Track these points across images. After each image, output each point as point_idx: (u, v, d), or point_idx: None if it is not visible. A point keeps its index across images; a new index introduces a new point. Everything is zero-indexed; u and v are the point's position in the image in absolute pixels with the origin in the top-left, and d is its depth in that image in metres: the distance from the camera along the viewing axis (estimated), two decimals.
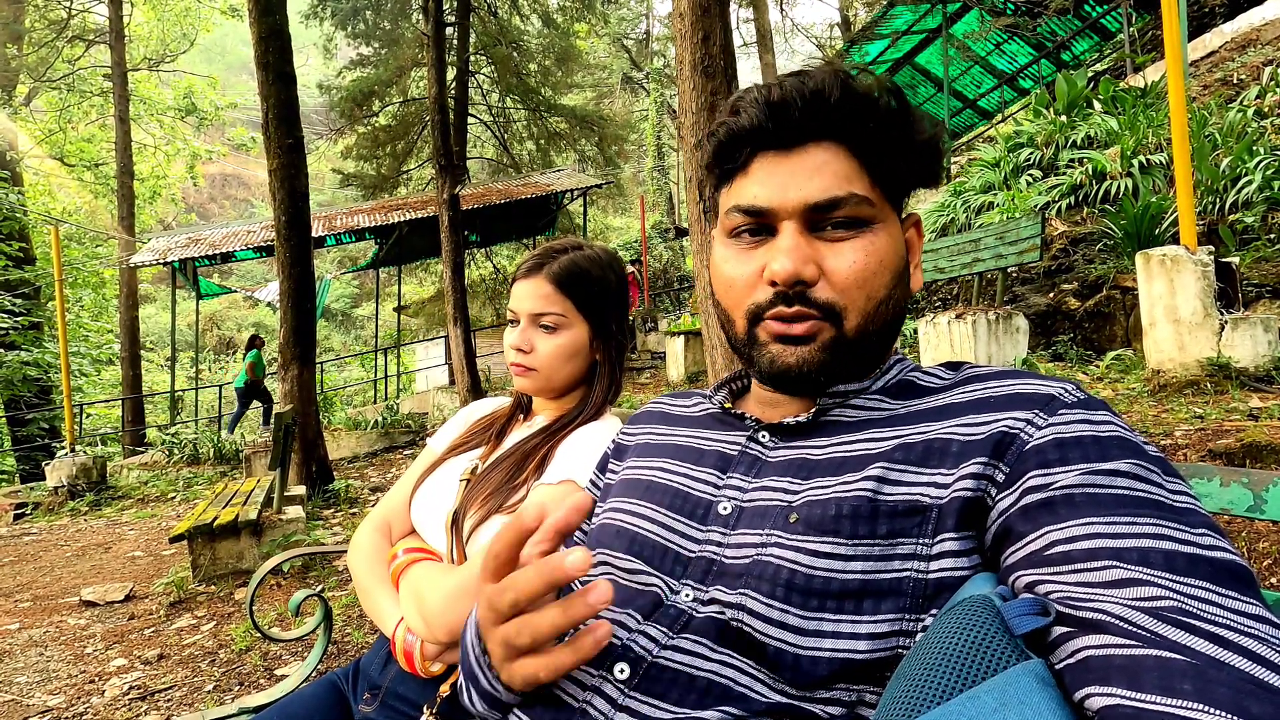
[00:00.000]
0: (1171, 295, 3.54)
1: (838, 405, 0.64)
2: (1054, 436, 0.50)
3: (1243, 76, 6.89)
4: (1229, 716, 0.33)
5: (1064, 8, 10.56)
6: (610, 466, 0.80)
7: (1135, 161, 5.90)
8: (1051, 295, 5.56)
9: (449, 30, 9.46)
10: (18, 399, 12.50)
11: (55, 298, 8.28)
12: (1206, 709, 0.33)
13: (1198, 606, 0.39)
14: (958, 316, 4.59)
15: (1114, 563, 0.42)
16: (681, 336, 8.18)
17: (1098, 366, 4.30)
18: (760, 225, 0.62)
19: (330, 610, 1.35)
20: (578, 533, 0.79)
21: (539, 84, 14.64)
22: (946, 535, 0.50)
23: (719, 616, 0.56)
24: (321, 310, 13.40)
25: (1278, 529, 2.00)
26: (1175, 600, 0.39)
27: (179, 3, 18.75)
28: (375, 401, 13.67)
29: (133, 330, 14.27)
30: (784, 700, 0.51)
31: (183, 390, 16.12)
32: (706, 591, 0.58)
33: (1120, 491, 0.45)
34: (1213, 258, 3.49)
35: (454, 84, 10.03)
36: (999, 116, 13.16)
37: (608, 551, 0.67)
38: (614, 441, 0.84)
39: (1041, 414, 0.52)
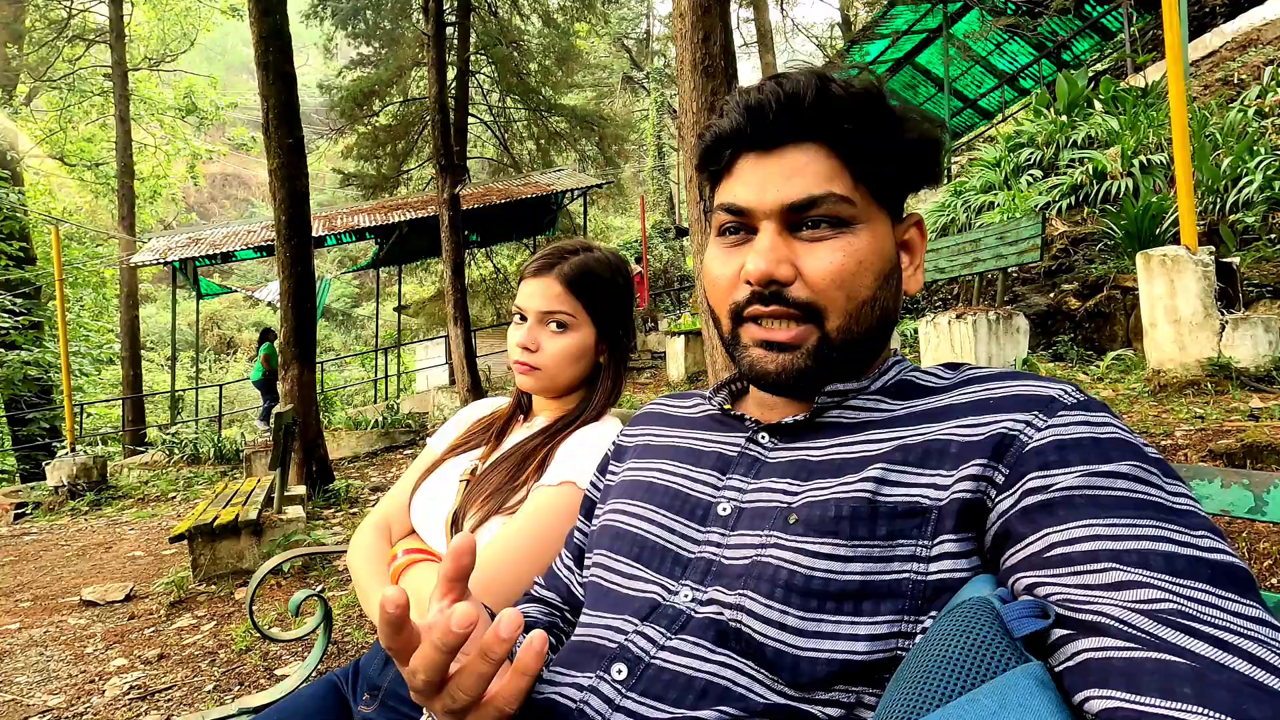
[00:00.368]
0: (1172, 295, 3.54)
1: (836, 405, 0.64)
2: (1054, 438, 0.50)
3: (1243, 76, 6.89)
4: (1228, 719, 0.33)
5: (1064, 7, 10.56)
6: (610, 468, 0.80)
7: (1136, 161, 5.90)
8: (1052, 295, 5.55)
9: (449, 30, 9.46)
10: (18, 398, 12.50)
11: (56, 297, 8.29)
12: (1206, 712, 0.33)
13: (1197, 609, 0.39)
14: (958, 316, 4.59)
15: (1114, 565, 0.42)
16: (682, 336, 8.18)
17: (1098, 367, 4.30)
18: (742, 225, 0.63)
19: (330, 610, 1.35)
20: (578, 534, 0.80)
21: (539, 84, 14.64)
22: (946, 537, 0.50)
23: (718, 617, 0.56)
24: (322, 310, 13.41)
25: (1278, 530, 1.99)
26: (1175, 603, 0.39)
27: (179, 2, 18.75)
28: (375, 401, 13.67)
29: (133, 330, 14.28)
30: (782, 701, 0.51)
31: (183, 390, 16.13)
32: (705, 592, 0.58)
33: (1120, 493, 0.45)
34: (1213, 258, 3.49)
35: (454, 84, 10.03)
36: (999, 116, 13.15)
37: (607, 554, 0.67)
38: (614, 443, 0.84)
39: (1041, 415, 0.52)
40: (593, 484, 0.82)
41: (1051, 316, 5.41)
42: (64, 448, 8.08)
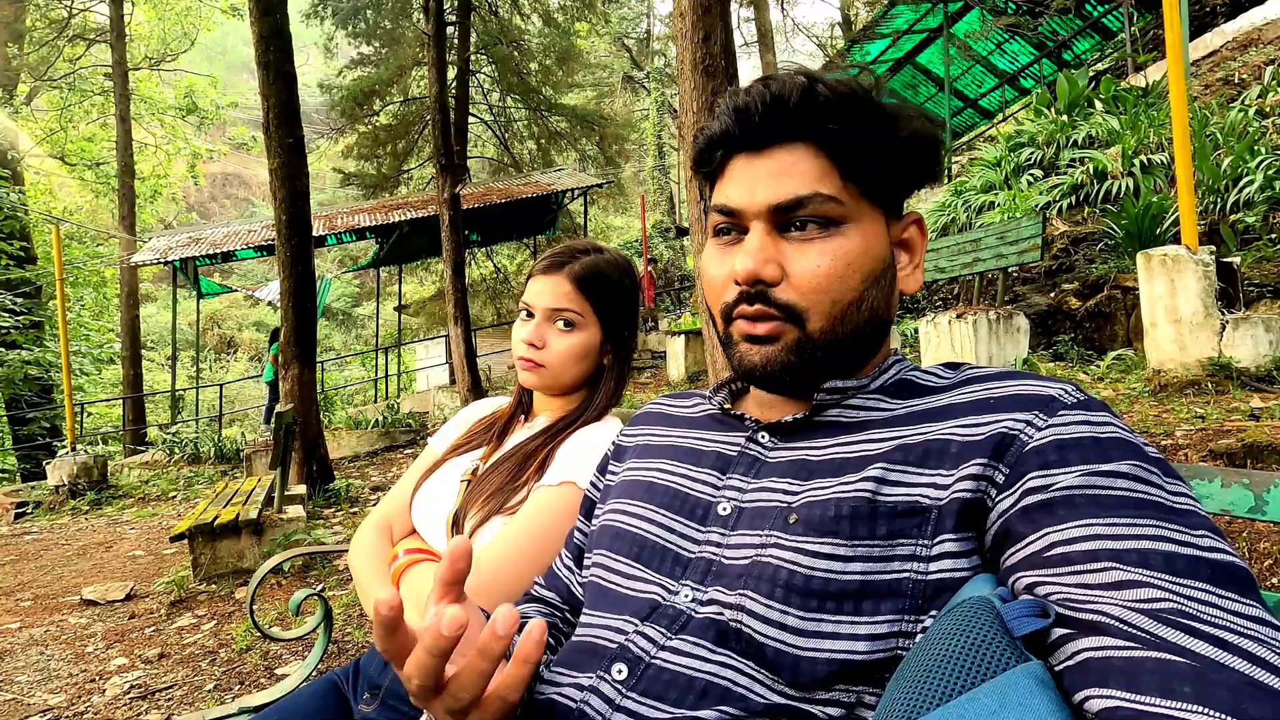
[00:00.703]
0: (1172, 295, 3.54)
1: (835, 404, 0.64)
2: (1054, 438, 0.50)
3: (1244, 76, 6.89)
4: (1228, 719, 0.33)
5: (1065, 7, 10.56)
6: (610, 468, 0.80)
7: (1136, 161, 5.90)
8: (1052, 295, 5.55)
9: (450, 29, 9.46)
10: (19, 398, 12.51)
11: (56, 297, 8.29)
12: (1206, 711, 0.33)
13: (1197, 608, 0.39)
14: (958, 316, 4.59)
15: (1113, 564, 0.42)
16: (682, 336, 8.18)
17: (1098, 366, 4.30)
18: (734, 225, 0.64)
19: (330, 610, 1.35)
20: (578, 534, 0.80)
21: (540, 83, 14.64)
22: (946, 536, 0.50)
23: (718, 617, 0.56)
24: (322, 309, 13.41)
25: (1278, 530, 1.99)
26: (1175, 602, 0.39)
27: (180, 2, 18.75)
28: (376, 401, 13.67)
29: (133, 329, 14.28)
30: (783, 701, 0.51)
31: (183, 389, 16.13)
32: (705, 592, 0.58)
33: (1120, 493, 0.45)
34: (1214, 257, 3.49)
35: (455, 83, 10.03)
36: (1000, 116, 13.15)
37: (607, 554, 0.67)
38: (613, 443, 0.84)
39: (1041, 415, 0.52)
40: (593, 484, 0.82)
41: (1052, 316, 5.41)
42: (64, 447, 8.09)
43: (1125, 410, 3.28)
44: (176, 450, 9.09)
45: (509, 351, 1.11)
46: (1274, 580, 1.88)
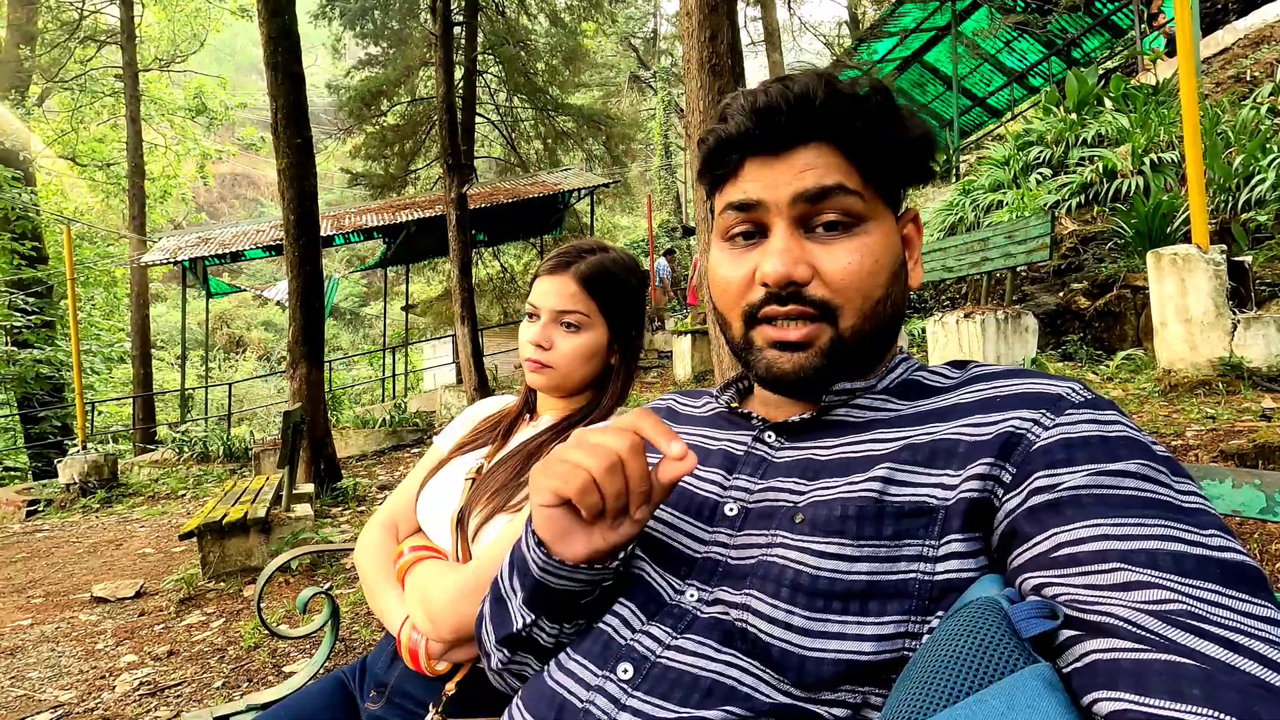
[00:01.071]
0: (1183, 294, 3.51)
1: (842, 404, 0.63)
2: (1061, 437, 0.49)
3: (1256, 74, 6.82)
4: None
5: (1074, 4, 10.49)
6: None
7: (1146, 159, 5.86)
8: (1061, 294, 5.52)
9: (456, 30, 9.47)
10: (30, 397, 12.61)
11: (68, 296, 8.35)
12: (1215, 714, 0.33)
13: (1207, 609, 0.38)
14: (966, 315, 4.57)
15: (1122, 565, 0.41)
16: (689, 335, 8.17)
17: (1108, 366, 4.27)
18: (754, 226, 0.62)
19: (337, 607, 1.36)
20: None
21: (546, 83, 14.64)
22: (953, 536, 0.50)
23: (723, 617, 0.56)
24: (330, 309, 13.46)
25: None
26: (1184, 603, 0.39)
27: (189, 3, 18.86)
28: (383, 400, 13.73)
29: (143, 329, 14.38)
30: (788, 701, 0.51)
31: (193, 388, 16.22)
32: (711, 592, 0.58)
33: (1128, 492, 0.45)
34: (1225, 256, 3.46)
35: (462, 83, 10.05)
36: (1008, 114, 13.06)
37: None
38: None
39: (1049, 414, 0.52)
40: None
41: (1061, 316, 5.38)
42: (75, 445, 8.14)
43: (1135, 410, 3.25)
44: (186, 449, 9.14)
45: (516, 351, 1.11)
46: None
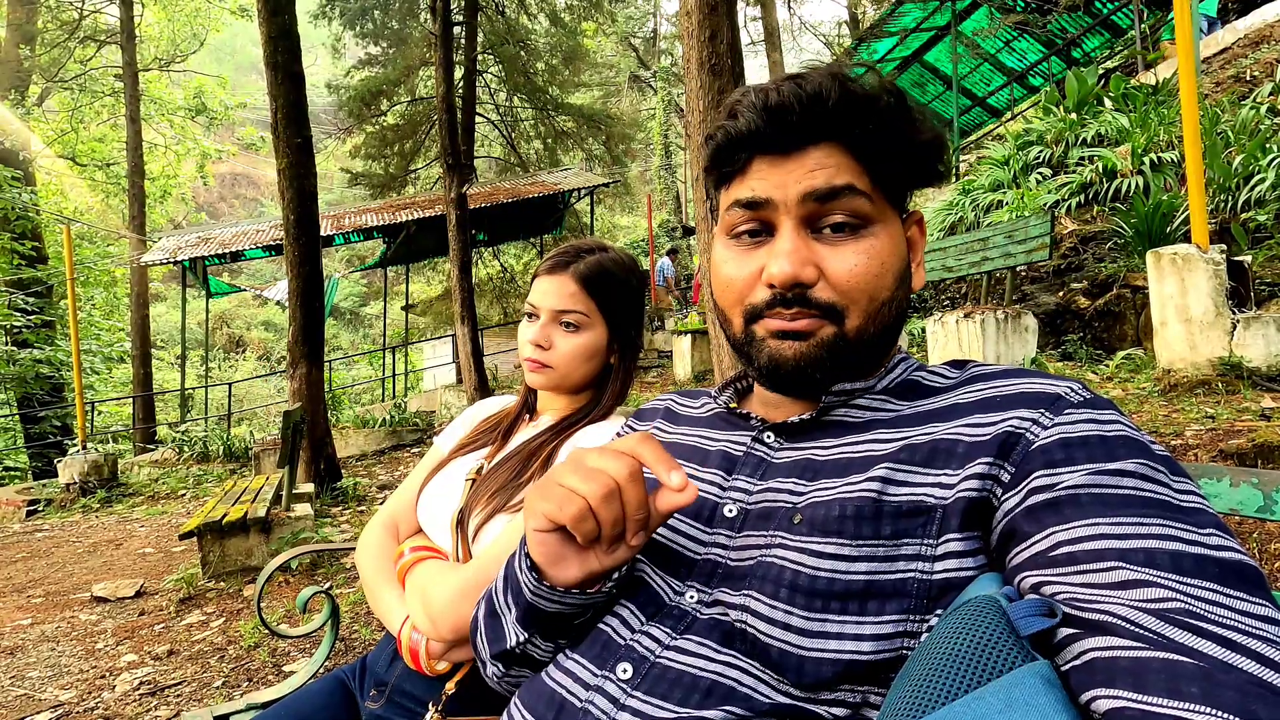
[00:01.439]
0: (1183, 294, 3.51)
1: (842, 404, 0.63)
2: (1060, 436, 0.49)
3: (1256, 73, 6.82)
4: None
5: (1074, 4, 10.49)
6: None
7: (1146, 159, 5.86)
8: (1061, 294, 5.52)
9: (456, 29, 9.47)
10: (30, 396, 12.60)
11: (68, 296, 8.35)
12: (1213, 712, 0.33)
13: (1204, 608, 0.38)
14: (966, 315, 4.57)
15: (1120, 564, 0.41)
16: (688, 335, 8.17)
17: (1107, 366, 4.27)
18: (760, 224, 0.62)
19: (337, 607, 1.36)
20: None
21: (546, 83, 14.64)
22: (951, 536, 0.50)
23: (723, 618, 0.56)
24: (330, 309, 13.46)
25: None
26: (1182, 602, 0.39)
27: (189, 3, 18.86)
28: (383, 400, 13.72)
29: (143, 328, 14.39)
30: (788, 701, 0.51)
31: (193, 388, 16.22)
32: (711, 594, 0.58)
33: (1127, 491, 0.45)
34: (1225, 256, 3.46)
35: (461, 83, 10.04)
36: (1008, 114, 13.06)
37: None
38: (618, 435, 0.84)
39: (1047, 413, 0.52)
40: None
41: (1060, 315, 5.38)
42: (75, 445, 8.14)
43: (1135, 410, 3.25)
44: (186, 448, 9.14)
45: (516, 350, 1.11)
46: None
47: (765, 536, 0.57)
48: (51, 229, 14.59)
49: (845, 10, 22.62)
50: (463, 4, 10.04)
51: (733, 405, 0.73)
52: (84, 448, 7.84)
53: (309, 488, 5.06)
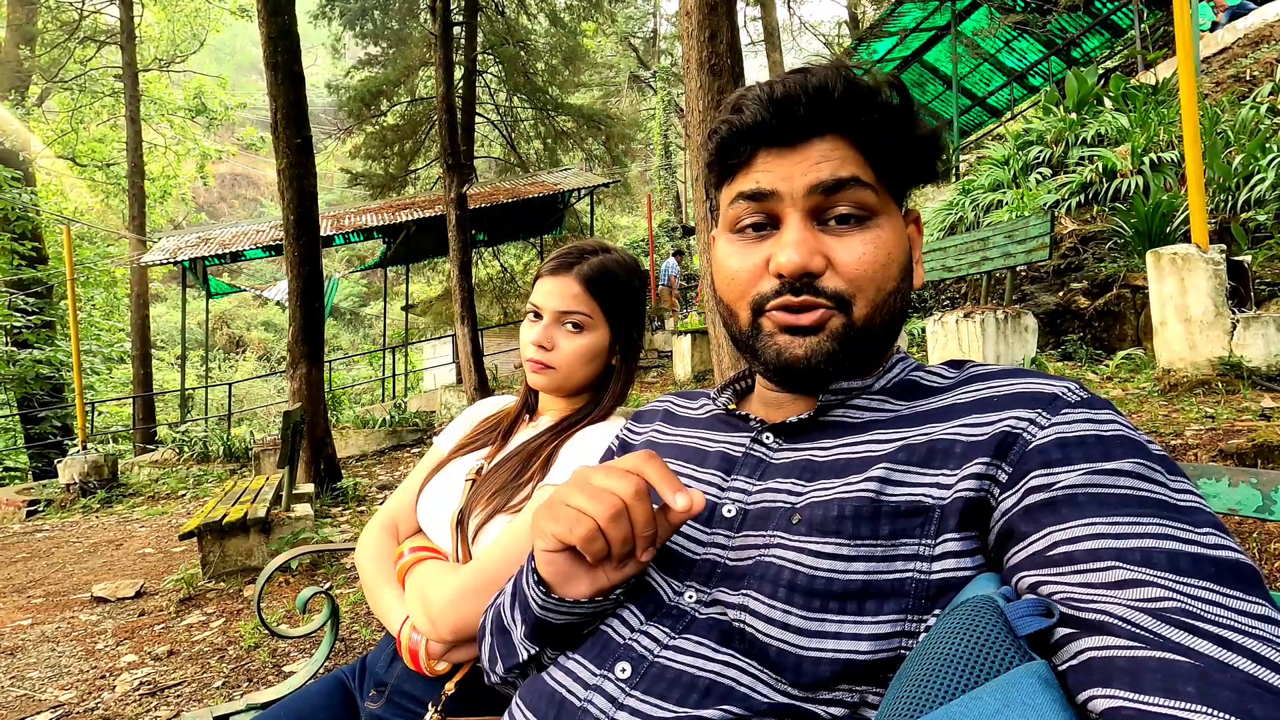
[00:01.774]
0: (1183, 294, 3.51)
1: (840, 404, 0.63)
2: (1057, 436, 0.50)
3: (1256, 73, 6.82)
4: (1232, 719, 0.33)
5: (1074, 4, 10.49)
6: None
7: (1146, 159, 5.86)
8: (1061, 294, 5.52)
9: (456, 30, 9.47)
10: (31, 397, 12.60)
11: (68, 296, 8.35)
12: (1210, 711, 0.33)
13: (1201, 607, 0.38)
14: (966, 315, 4.57)
15: (1117, 563, 0.41)
16: (688, 335, 8.17)
17: (1107, 366, 4.27)
18: (765, 217, 0.62)
19: (337, 607, 1.36)
20: None
21: (546, 83, 14.64)
22: (949, 536, 0.50)
23: (721, 618, 0.56)
24: (330, 309, 13.46)
25: None
26: (1179, 601, 0.39)
27: (189, 3, 18.86)
28: (383, 400, 13.73)
29: (143, 329, 14.39)
30: (786, 701, 0.51)
31: (193, 388, 16.22)
32: (710, 593, 0.58)
33: (1124, 491, 0.45)
34: (1224, 256, 3.46)
35: (461, 83, 10.05)
36: (1008, 114, 13.06)
37: None
38: (618, 438, 0.84)
39: (1045, 413, 0.52)
40: None
41: (1060, 315, 5.38)
42: (75, 446, 8.15)
43: (1134, 410, 3.25)
44: (186, 449, 9.15)
45: (516, 351, 1.10)
46: None
47: (764, 536, 0.57)
48: (51, 229, 14.59)
49: (845, 10, 22.63)
50: (463, 4, 10.04)
51: (731, 407, 0.73)
52: (84, 448, 7.84)
53: (309, 488, 5.06)
